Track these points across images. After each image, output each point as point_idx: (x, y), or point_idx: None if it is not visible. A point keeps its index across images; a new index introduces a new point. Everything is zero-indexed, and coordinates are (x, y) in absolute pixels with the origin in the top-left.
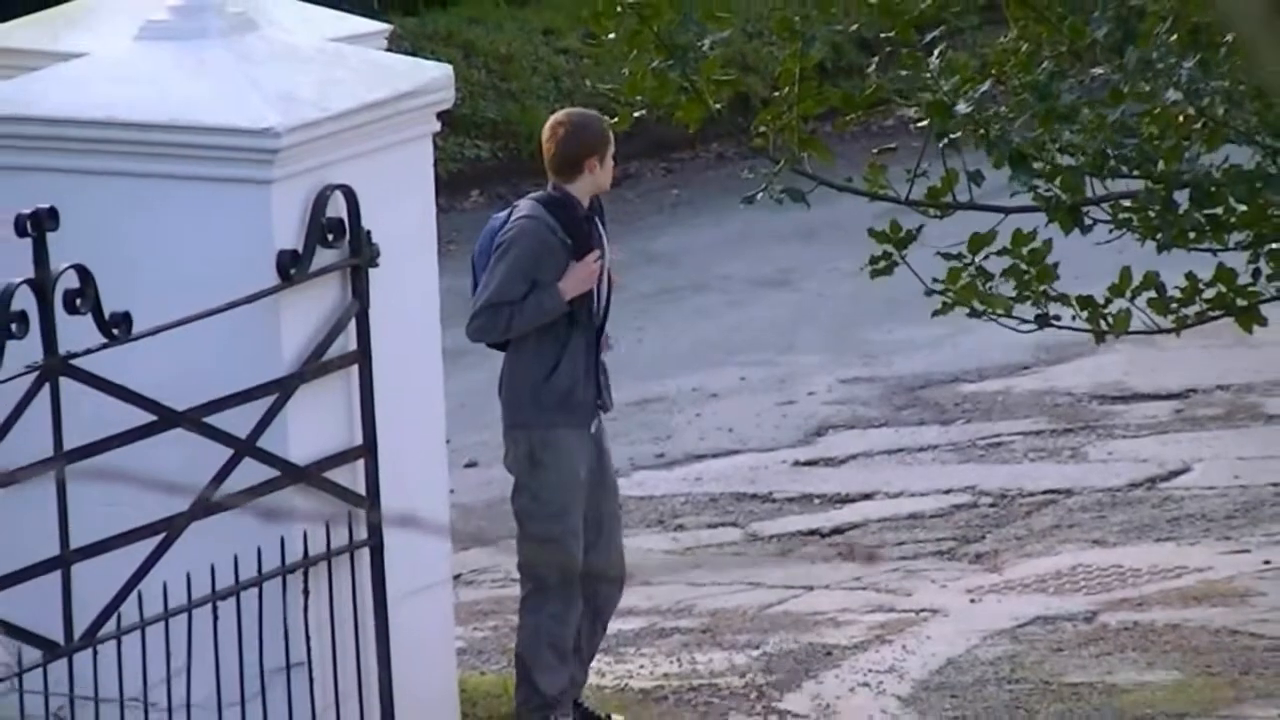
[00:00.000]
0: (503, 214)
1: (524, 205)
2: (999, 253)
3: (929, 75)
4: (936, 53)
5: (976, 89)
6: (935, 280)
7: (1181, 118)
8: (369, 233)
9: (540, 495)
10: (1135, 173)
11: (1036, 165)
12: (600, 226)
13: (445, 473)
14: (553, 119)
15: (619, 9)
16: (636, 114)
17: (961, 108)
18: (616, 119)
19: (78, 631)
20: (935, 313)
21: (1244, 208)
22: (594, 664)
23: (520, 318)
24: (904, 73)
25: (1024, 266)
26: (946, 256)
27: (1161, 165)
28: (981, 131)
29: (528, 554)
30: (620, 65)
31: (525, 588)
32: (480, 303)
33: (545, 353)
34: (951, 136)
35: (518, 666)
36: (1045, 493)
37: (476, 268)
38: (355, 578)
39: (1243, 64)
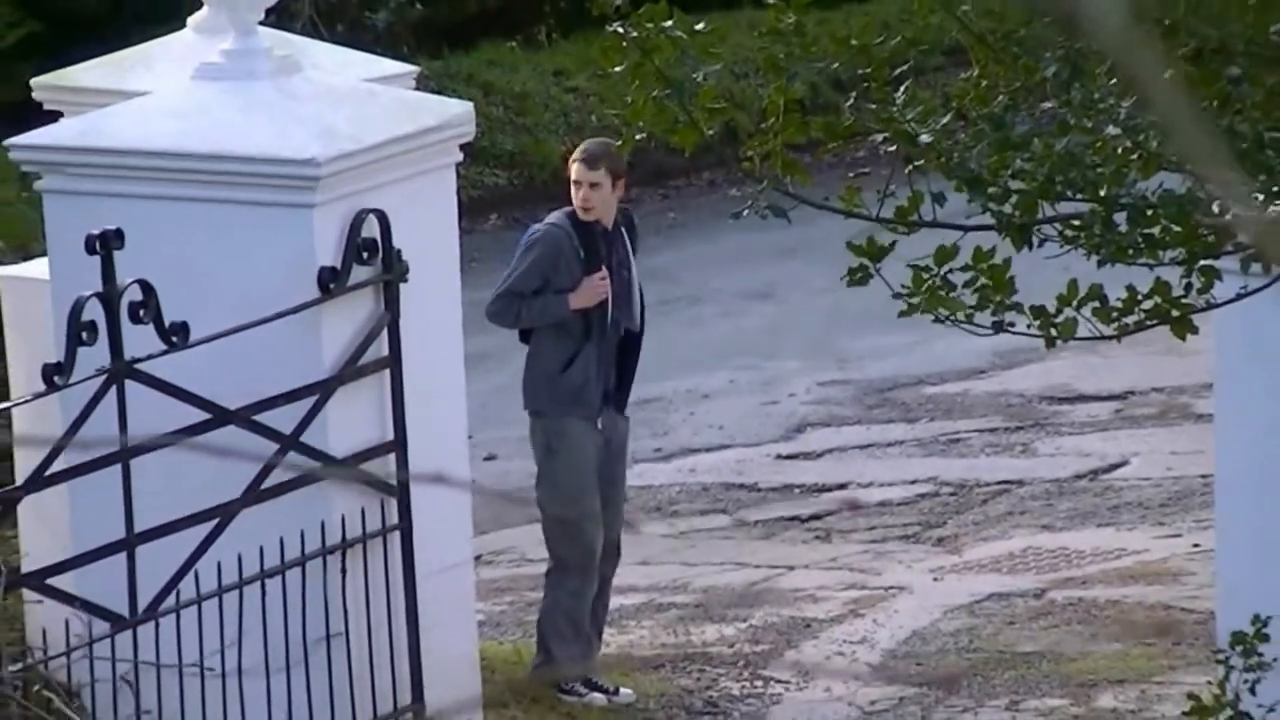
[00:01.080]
0: (528, 235)
1: (553, 216)
2: (962, 268)
3: (895, 107)
4: (903, 87)
5: (938, 120)
6: (903, 287)
7: (1120, 149)
8: (399, 251)
9: (557, 480)
10: (1080, 196)
11: (992, 190)
12: (628, 245)
13: (467, 465)
14: (584, 147)
15: (624, 45)
16: (638, 138)
17: (925, 137)
18: (621, 143)
19: (141, 606)
20: (901, 313)
21: (1177, 228)
22: (609, 637)
23: (528, 312)
24: (873, 106)
25: (984, 280)
26: (914, 268)
27: (1103, 190)
28: (943, 158)
29: (549, 535)
30: (624, 95)
31: (549, 565)
32: (499, 289)
33: (562, 349)
34: (916, 163)
35: (539, 635)
36: (999, 483)
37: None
38: (387, 558)
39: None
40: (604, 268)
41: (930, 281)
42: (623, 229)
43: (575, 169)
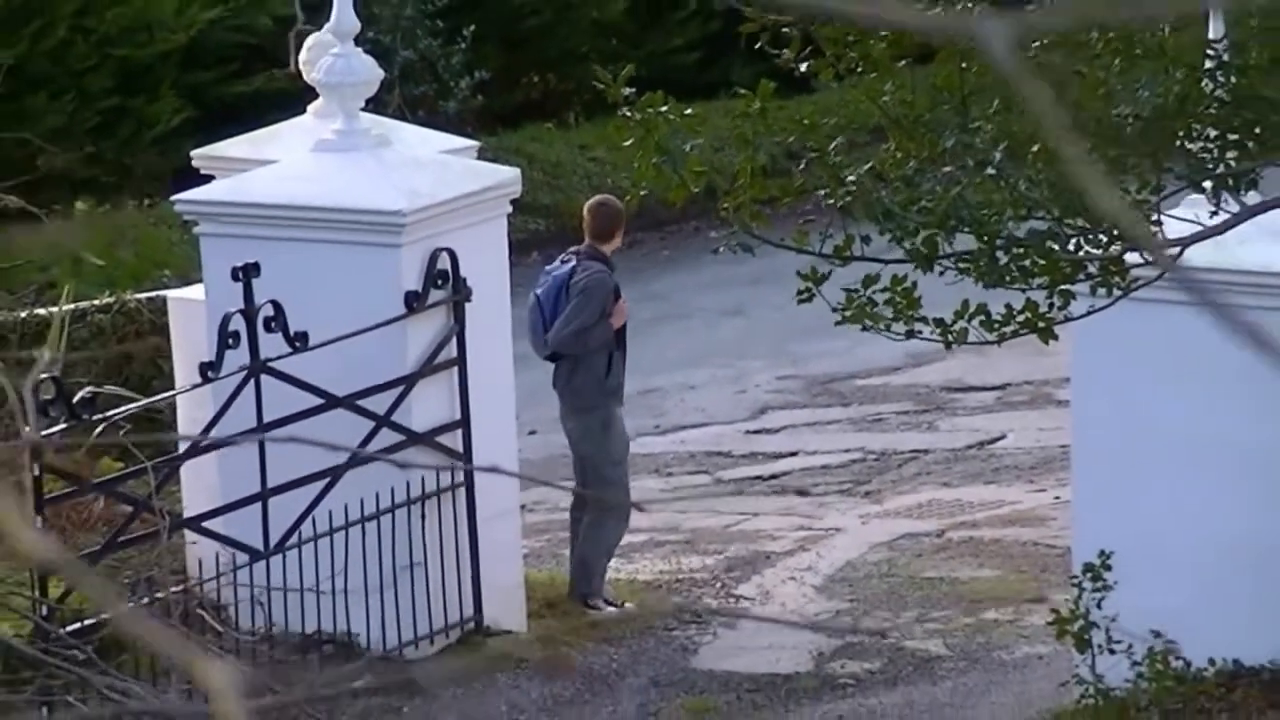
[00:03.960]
0: (562, 268)
1: (588, 263)
2: (882, 290)
3: (832, 165)
4: (840, 157)
5: (860, 169)
6: (839, 304)
7: (998, 198)
8: (465, 279)
9: (610, 452)
10: (974, 236)
11: (902, 224)
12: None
13: (514, 438)
14: (595, 200)
15: (631, 125)
16: (642, 194)
17: (850, 177)
18: (629, 198)
19: (272, 543)
20: (837, 324)
21: (1042, 261)
22: (611, 564)
23: (594, 336)
24: (819, 174)
25: (899, 298)
26: (847, 290)
27: (987, 231)
28: (871, 207)
29: (601, 490)
30: (631, 162)
31: (592, 514)
32: (574, 325)
33: (603, 360)
34: (845, 200)
35: (580, 565)
36: (911, 451)
37: (543, 302)
38: (455, 507)
39: (1043, 156)
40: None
41: (858, 300)
42: None
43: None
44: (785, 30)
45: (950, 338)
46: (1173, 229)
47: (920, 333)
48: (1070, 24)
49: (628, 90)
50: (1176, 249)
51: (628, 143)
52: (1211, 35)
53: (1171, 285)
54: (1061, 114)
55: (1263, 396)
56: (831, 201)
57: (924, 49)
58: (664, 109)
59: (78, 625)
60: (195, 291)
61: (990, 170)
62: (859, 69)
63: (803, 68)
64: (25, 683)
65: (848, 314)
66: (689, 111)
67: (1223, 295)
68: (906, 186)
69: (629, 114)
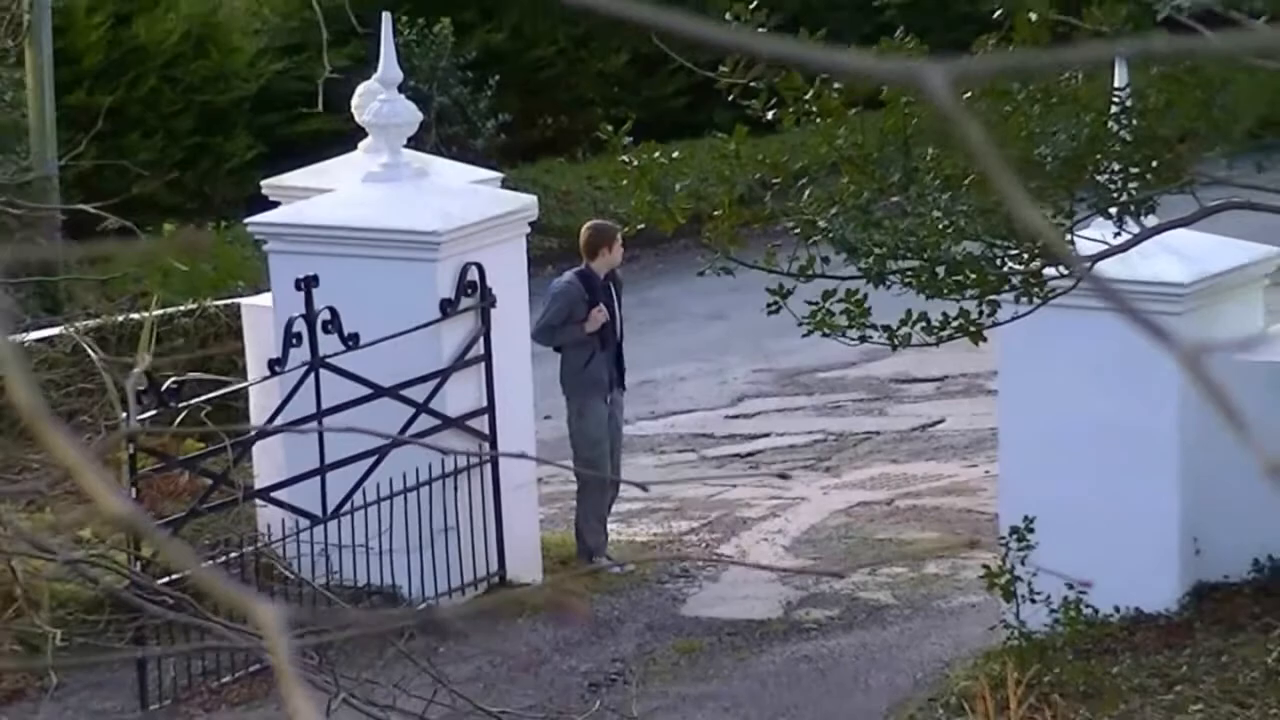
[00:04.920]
0: (559, 279)
1: (567, 275)
2: (839, 302)
3: (800, 204)
4: (806, 191)
5: (827, 210)
6: (804, 318)
7: (940, 226)
8: (490, 289)
9: (586, 434)
10: (913, 256)
11: (859, 251)
12: (615, 291)
13: (532, 422)
14: (585, 225)
15: (629, 166)
16: (639, 226)
17: (821, 223)
18: (626, 227)
19: (329, 509)
20: (805, 334)
21: (974, 276)
22: (611, 528)
23: (560, 335)
24: (788, 203)
25: (852, 309)
26: (810, 303)
27: (928, 253)
28: (829, 233)
29: (580, 467)
30: (629, 198)
31: (578, 485)
32: (540, 324)
33: (583, 355)
34: (813, 239)
35: (576, 531)
36: (864, 433)
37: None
38: (482, 480)
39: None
40: (600, 304)
41: (819, 312)
42: (611, 283)
43: (617, 249)
44: (754, 84)
45: (896, 341)
46: (1084, 247)
47: (871, 337)
48: (1000, 69)
49: (627, 140)
50: (1068, 270)
51: (625, 182)
52: (1116, 84)
53: (1081, 293)
54: (992, 147)
55: (1158, 387)
56: (797, 231)
57: (872, 98)
58: (656, 154)
59: (166, 578)
60: (264, 299)
61: (933, 204)
62: (816, 115)
63: (769, 115)
64: (126, 624)
65: (810, 323)
66: (676, 155)
67: (1108, 309)
68: (861, 215)
69: (627, 159)
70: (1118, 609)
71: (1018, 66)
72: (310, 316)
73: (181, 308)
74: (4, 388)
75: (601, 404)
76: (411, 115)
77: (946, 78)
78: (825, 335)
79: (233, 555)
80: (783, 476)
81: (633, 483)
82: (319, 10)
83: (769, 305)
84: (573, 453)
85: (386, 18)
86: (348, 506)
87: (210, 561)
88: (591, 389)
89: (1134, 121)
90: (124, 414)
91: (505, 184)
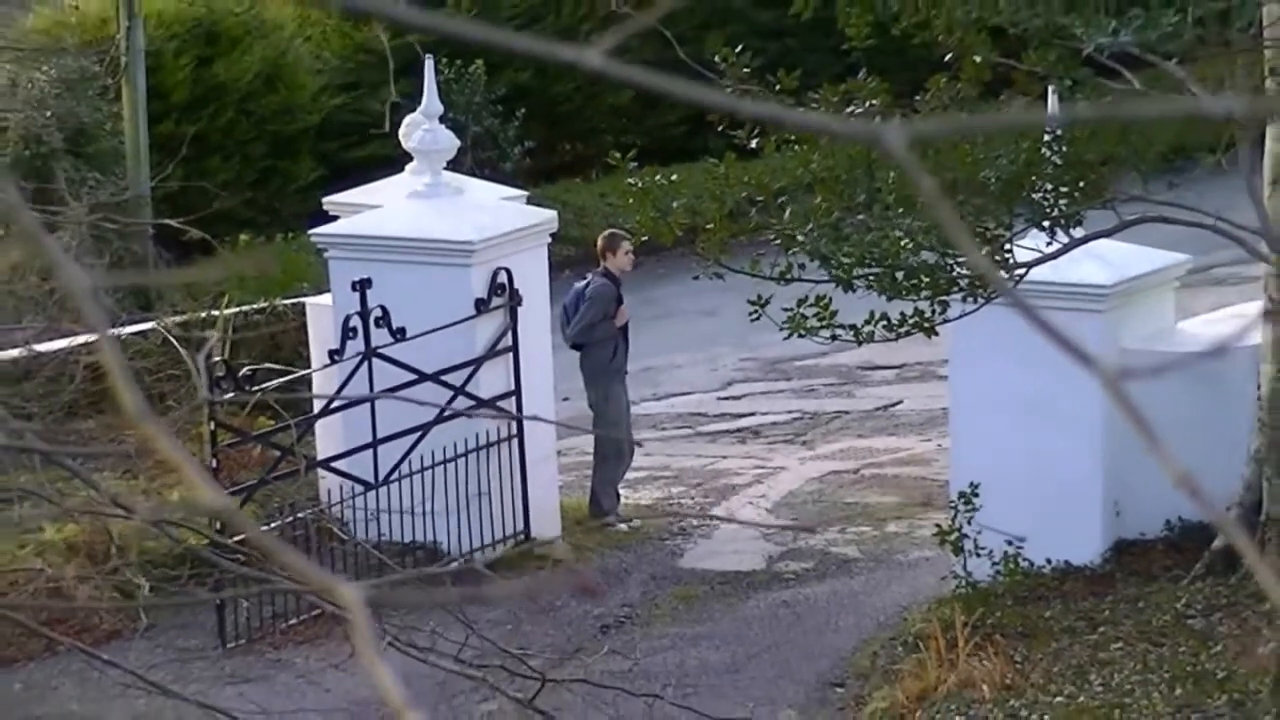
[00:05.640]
0: (580, 284)
1: (597, 279)
2: (811, 305)
3: (781, 219)
4: (788, 210)
5: (805, 225)
6: (783, 323)
7: (898, 239)
8: (518, 290)
9: (607, 416)
10: (876, 264)
11: (831, 261)
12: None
13: (552, 403)
14: (602, 233)
15: (634, 187)
16: (643, 239)
17: (799, 236)
18: (633, 240)
19: (380, 476)
20: (785, 337)
21: (928, 280)
22: (623, 492)
23: (597, 331)
24: (770, 218)
25: (822, 311)
26: (786, 309)
27: (889, 261)
28: (806, 245)
29: (601, 442)
30: (635, 214)
31: (597, 457)
32: (581, 324)
33: (609, 348)
34: (792, 250)
35: (592, 495)
36: (834, 413)
37: (567, 308)
38: (510, 452)
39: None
40: (624, 301)
41: (794, 315)
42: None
43: (630, 254)
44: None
45: (861, 338)
46: (1021, 255)
47: (840, 336)
48: (947, 131)
49: (632, 164)
50: (1009, 273)
51: (631, 200)
52: (1049, 113)
53: (1019, 293)
54: (939, 192)
55: (1083, 372)
56: (778, 242)
57: None
58: (657, 176)
59: (241, 537)
60: (325, 299)
61: (893, 221)
62: (793, 143)
63: (753, 143)
64: (206, 577)
65: (788, 327)
66: (674, 177)
67: (1042, 307)
68: (832, 229)
69: (633, 181)
70: (1049, 562)
71: (962, 128)
72: (364, 313)
73: (255, 307)
74: (105, 375)
75: (622, 390)
76: (450, 142)
77: (903, 137)
78: (801, 336)
79: (297, 517)
80: (755, 433)
81: (636, 443)
82: (388, 49)
83: (750, 313)
84: (596, 426)
85: (429, 60)
86: (396, 475)
87: (278, 522)
88: (615, 377)
89: (1063, 148)
90: (200, 387)
91: (530, 201)
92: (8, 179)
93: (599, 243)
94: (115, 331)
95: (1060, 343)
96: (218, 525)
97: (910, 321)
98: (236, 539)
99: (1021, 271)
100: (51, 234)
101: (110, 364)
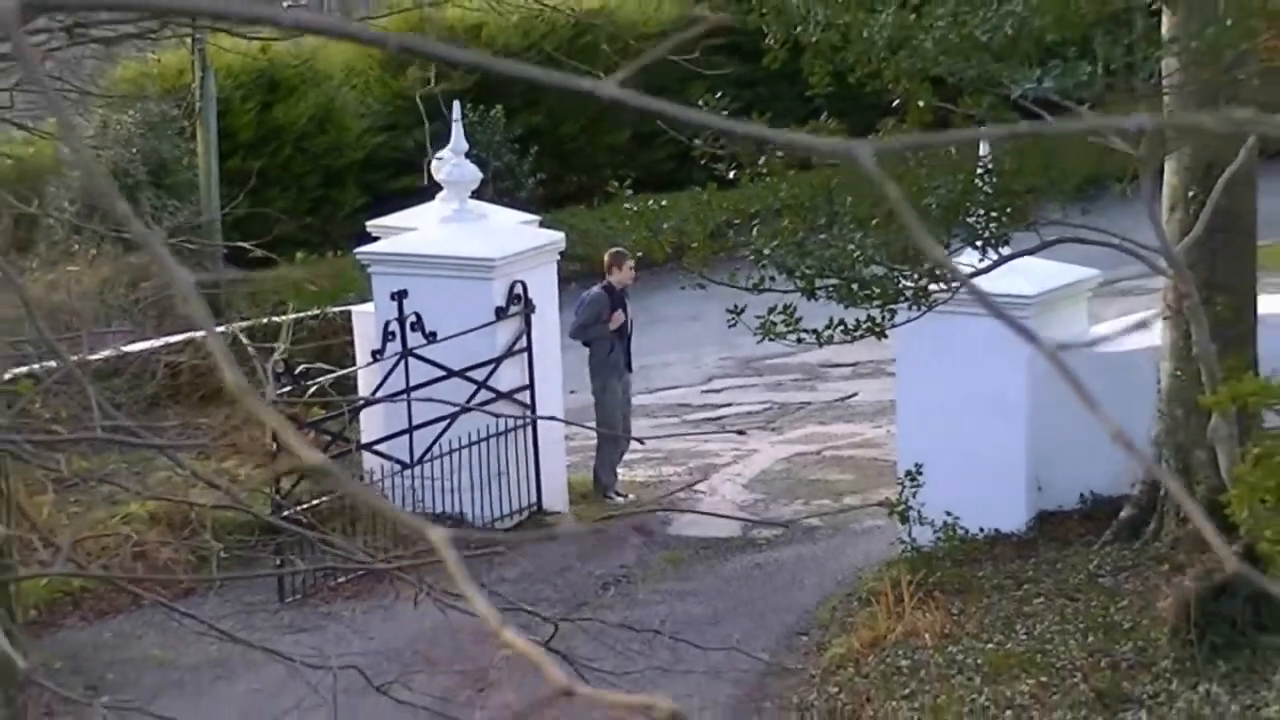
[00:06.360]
0: (585, 292)
1: (595, 289)
2: (780, 313)
3: (753, 238)
4: (757, 229)
5: (774, 243)
6: (755, 328)
7: (853, 255)
8: (531, 300)
9: (605, 406)
10: (835, 277)
11: (795, 273)
12: (625, 300)
13: (561, 396)
14: (608, 252)
15: (631, 211)
16: (638, 255)
17: (768, 252)
18: (631, 257)
19: (415, 456)
20: (759, 340)
21: (878, 290)
22: (621, 471)
23: (591, 331)
24: (745, 238)
25: (788, 319)
26: (759, 317)
27: (846, 274)
28: (775, 260)
29: (600, 428)
30: (631, 234)
31: (598, 441)
32: (578, 324)
33: (606, 347)
34: (763, 264)
35: (595, 474)
36: (800, 403)
37: (577, 313)
38: (525, 437)
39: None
40: (619, 309)
41: (765, 323)
42: (625, 296)
43: (630, 270)
44: (720, 152)
45: (821, 340)
46: (960, 270)
47: (803, 338)
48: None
49: (628, 192)
50: (947, 285)
51: (628, 223)
52: (982, 151)
53: (955, 303)
54: (902, 198)
55: (1010, 367)
56: (752, 258)
57: (804, 162)
58: (649, 203)
59: (302, 505)
60: (368, 307)
61: (849, 239)
62: (765, 174)
63: (731, 174)
64: (268, 541)
65: (760, 333)
66: (664, 203)
67: (976, 314)
68: (797, 247)
69: (629, 207)
70: (982, 530)
71: (917, 144)
72: (401, 319)
73: (309, 313)
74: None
75: (618, 383)
76: (475, 175)
77: (870, 152)
78: (771, 339)
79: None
80: (740, 432)
81: (637, 439)
82: (420, 104)
83: (728, 321)
84: (596, 418)
85: (456, 105)
86: (428, 456)
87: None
88: (611, 372)
89: (994, 179)
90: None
91: (541, 224)
92: (119, 196)
93: (606, 259)
94: (209, 328)
95: (1013, 326)
96: (280, 496)
97: (864, 326)
98: (299, 508)
99: (958, 284)
100: (137, 251)
101: (214, 348)
